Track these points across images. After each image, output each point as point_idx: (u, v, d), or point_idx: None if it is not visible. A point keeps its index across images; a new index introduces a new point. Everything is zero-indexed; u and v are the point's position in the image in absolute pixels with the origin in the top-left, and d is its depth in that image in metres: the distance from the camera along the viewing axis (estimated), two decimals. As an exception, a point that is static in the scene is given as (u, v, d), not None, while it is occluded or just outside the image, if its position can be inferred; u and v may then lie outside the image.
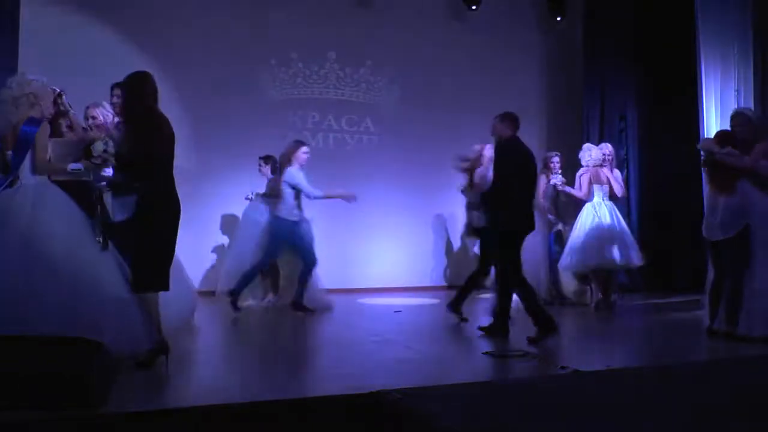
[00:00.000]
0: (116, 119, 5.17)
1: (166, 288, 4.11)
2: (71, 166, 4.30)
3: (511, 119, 5.67)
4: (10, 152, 4.22)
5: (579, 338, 6.07)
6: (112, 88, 5.50)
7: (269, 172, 7.64)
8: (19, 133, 4.18)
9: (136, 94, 4.19)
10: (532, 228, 5.60)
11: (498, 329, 5.61)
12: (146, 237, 4.05)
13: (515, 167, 5.52)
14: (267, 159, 7.71)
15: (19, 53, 6.99)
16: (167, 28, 8.43)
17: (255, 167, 7.83)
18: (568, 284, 7.88)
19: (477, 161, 6.85)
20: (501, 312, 5.63)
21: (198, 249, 8.03)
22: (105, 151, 4.20)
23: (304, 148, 7.02)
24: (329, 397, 3.56)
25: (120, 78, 4.41)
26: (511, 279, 5.48)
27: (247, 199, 7.70)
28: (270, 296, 7.59)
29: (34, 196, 4.06)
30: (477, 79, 9.84)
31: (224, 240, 8.58)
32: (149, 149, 4.08)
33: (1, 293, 3.64)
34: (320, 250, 7.16)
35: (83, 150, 4.29)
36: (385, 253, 9.23)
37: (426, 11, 9.74)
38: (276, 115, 9.03)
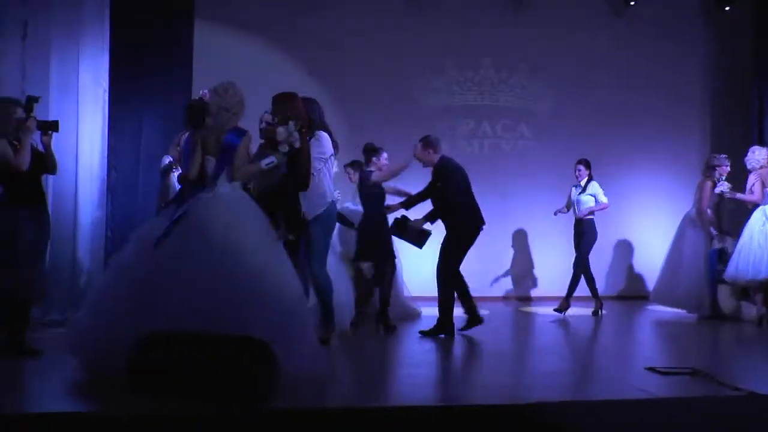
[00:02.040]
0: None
1: None
2: (263, 162, 4.50)
3: (430, 142, 6.09)
4: (210, 158, 4.35)
5: (749, 357, 5.69)
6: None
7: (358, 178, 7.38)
8: (223, 142, 4.31)
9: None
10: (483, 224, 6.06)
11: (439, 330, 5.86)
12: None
13: (462, 182, 6.04)
14: (354, 165, 7.39)
15: (192, 67, 7.46)
16: (324, 44, 8.78)
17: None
18: (725, 299, 7.41)
19: None
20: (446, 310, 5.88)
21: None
22: (289, 134, 4.57)
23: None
24: (485, 406, 3.58)
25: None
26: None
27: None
28: None
29: (229, 204, 4.18)
30: (637, 77, 9.50)
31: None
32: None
33: (195, 294, 3.82)
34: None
35: (268, 144, 4.65)
36: (542, 260, 9.15)
37: (581, 9, 9.54)
38: (431, 123, 8.99)
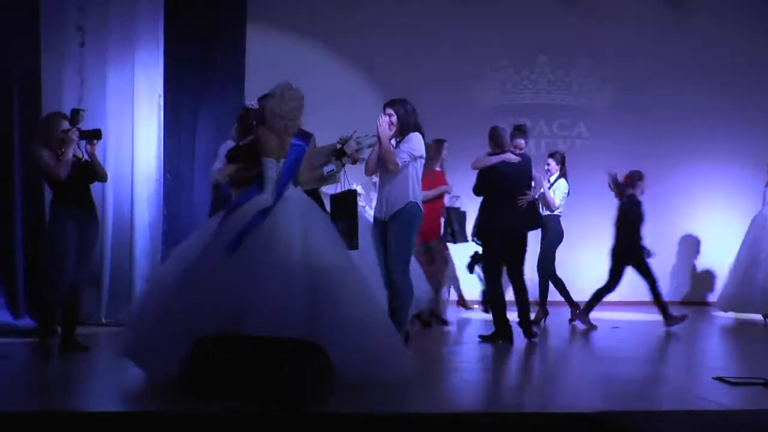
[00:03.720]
0: None
1: None
2: (326, 169, 4.57)
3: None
4: (272, 161, 4.27)
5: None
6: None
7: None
8: (289, 146, 4.27)
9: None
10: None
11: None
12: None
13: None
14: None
15: (245, 72, 7.48)
16: (374, 43, 8.88)
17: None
18: None
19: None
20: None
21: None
22: (360, 146, 4.67)
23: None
24: (546, 414, 3.57)
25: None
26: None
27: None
28: None
29: (301, 209, 4.20)
30: (701, 72, 9.29)
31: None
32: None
33: (266, 298, 3.84)
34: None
35: (333, 153, 4.68)
36: (600, 264, 8.94)
37: (639, 2, 9.38)
38: (485, 123, 8.87)
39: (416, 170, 5.06)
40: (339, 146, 4.76)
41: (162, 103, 6.69)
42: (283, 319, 3.77)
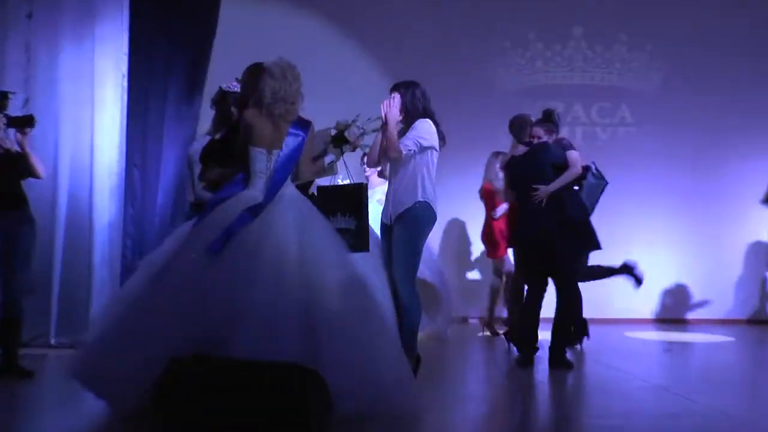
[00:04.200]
0: None
1: None
2: (327, 159, 4.54)
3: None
4: (262, 151, 4.19)
5: None
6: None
7: None
8: (286, 136, 4.20)
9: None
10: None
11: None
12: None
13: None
14: None
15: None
16: (376, 12, 8.87)
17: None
18: None
19: None
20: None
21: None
22: (362, 132, 4.67)
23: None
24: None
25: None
26: None
27: None
28: None
29: (297, 210, 4.13)
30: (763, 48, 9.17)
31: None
32: None
33: (254, 317, 3.80)
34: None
35: (332, 140, 4.66)
36: (649, 273, 8.82)
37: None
38: (512, 107, 8.85)
39: (428, 164, 4.97)
40: (334, 132, 4.73)
41: (126, 84, 6.59)
42: (274, 339, 3.72)
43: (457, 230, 9.06)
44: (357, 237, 4.61)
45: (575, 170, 5.88)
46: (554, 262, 5.84)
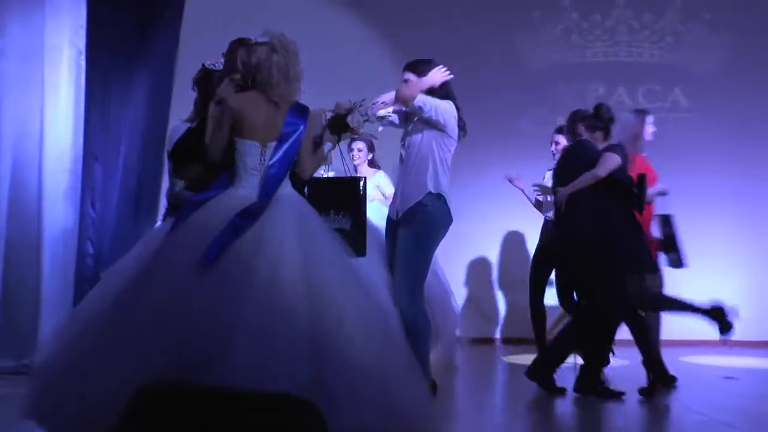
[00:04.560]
0: None
1: None
2: (326, 148, 4.53)
3: None
4: (254, 144, 4.11)
5: None
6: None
7: None
8: (283, 124, 4.13)
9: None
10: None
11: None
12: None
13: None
14: None
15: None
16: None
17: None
18: None
19: None
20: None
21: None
22: (366, 118, 4.70)
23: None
24: None
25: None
26: None
27: None
28: None
29: (296, 212, 4.09)
30: None
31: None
32: None
33: (242, 341, 3.72)
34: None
35: (329, 125, 4.61)
36: (708, 285, 8.53)
37: None
38: (541, 88, 9.14)
39: (442, 150, 4.97)
40: (331, 114, 4.65)
41: (84, 63, 6.58)
42: (267, 366, 3.64)
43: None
44: (352, 239, 4.58)
45: (595, 172, 5.76)
46: (571, 277, 6.10)
